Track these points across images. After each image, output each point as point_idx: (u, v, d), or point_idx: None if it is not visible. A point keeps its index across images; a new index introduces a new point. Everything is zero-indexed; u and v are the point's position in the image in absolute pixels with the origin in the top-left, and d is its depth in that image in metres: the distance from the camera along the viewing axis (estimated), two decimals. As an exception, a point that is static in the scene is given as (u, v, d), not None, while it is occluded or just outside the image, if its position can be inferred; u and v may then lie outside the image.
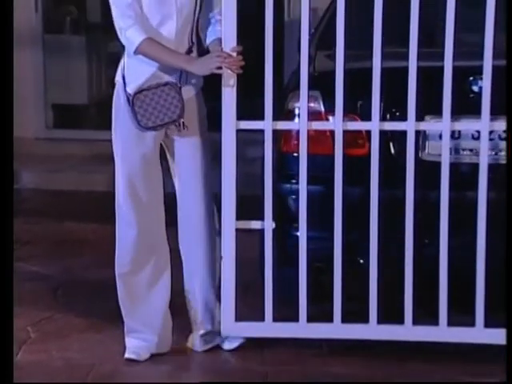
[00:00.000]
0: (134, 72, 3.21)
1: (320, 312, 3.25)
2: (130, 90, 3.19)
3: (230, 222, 3.22)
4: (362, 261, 3.23)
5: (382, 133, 3.14)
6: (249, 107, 3.36)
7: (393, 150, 3.30)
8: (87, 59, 7.51)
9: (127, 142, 3.25)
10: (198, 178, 3.29)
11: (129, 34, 3.14)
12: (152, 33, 3.15)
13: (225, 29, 3.12)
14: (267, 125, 3.17)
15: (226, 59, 3.10)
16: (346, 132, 3.15)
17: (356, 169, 3.16)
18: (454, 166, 3.13)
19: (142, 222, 3.27)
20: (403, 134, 3.13)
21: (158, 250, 3.32)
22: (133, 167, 3.26)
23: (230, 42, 3.12)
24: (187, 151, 3.30)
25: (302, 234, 3.18)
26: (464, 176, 3.22)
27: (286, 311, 3.27)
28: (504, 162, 3.16)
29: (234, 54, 3.11)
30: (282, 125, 3.25)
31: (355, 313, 3.21)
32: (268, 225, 3.20)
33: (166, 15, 3.17)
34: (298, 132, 3.21)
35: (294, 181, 3.32)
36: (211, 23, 3.27)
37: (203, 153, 3.29)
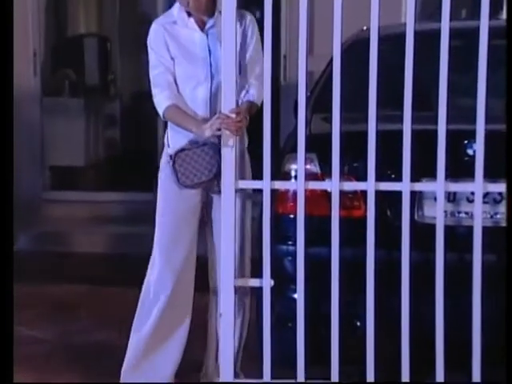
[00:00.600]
0: (175, 134, 3.45)
1: (319, 372, 3.24)
2: (172, 150, 3.40)
3: (228, 280, 3.22)
4: (358, 323, 3.23)
5: (379, 196, 3.16)
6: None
7: (389, 212, 3.32)
8: (85, 121, 7.59)
9: (167, 200, 3.45)
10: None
11: (156, 101, 3.42)
12: (186, 98, 3.39)
13: (224, 91, 3.18)
14: (266, 184, 3.20)
15: (225, 120, 3.16)
16: (342, 194, 3.17)
17: (352, 230, 3.18)
18: (450, 229, 3.16)
19: (175, 283, 3.42)
20: (399, 196, 3.15)
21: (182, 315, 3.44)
22: (171, 224, 3.43)
23: (229, 104, 3.18)
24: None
25: (300, 295, 3.19)
26: (460, 239, 3.23)
27: (284, 370, 3.26)
28: (500, 225, 3.18)
29: (233, 116, 3.17)
30: (280, 184, 3.29)
31: (353, 374, 3.20)
32: (266, 283, 3.21)
33: (199, 81, 3.40)
34: (293, 193, 3.24)
35: (290, 242, 3.33)
36: (246, 87, 3.40)
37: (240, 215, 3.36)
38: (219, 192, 3.29)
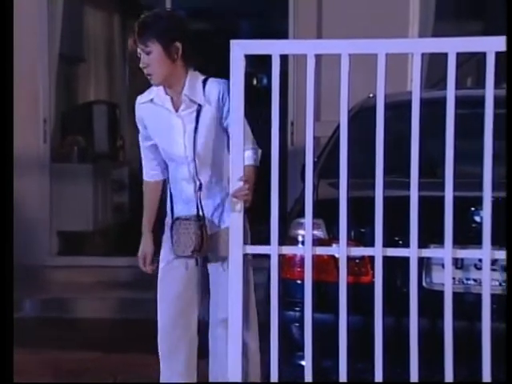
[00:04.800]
0: (169, 203, 3.61)
1: None
2: (169, 218, 3.56)
3: (236, 346, 3.19)
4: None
5: (387, 262, 3.15)
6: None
7: (396, 279, 3.31)
8: (93, 186, 7.62)
9: (168, 263, 3.53)
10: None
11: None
12: (171, 175, 3.56)
13: (232, 158, 3.20)
14: (273, 249, 3.19)
15: (233, 189, 3.20)
16: (349, 259, 3.17)
17: (360, 296, 3.16)
18: (458, 296, 3.13)
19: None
20: (407, 262, 3.14)
21: None
22: (171, 290, 3.51)
23: (237, 172, 3.19)
24: (221, 281, 3.42)
25: (308, 362, 3.16)
26: (469, 306, 3.21)
27: None
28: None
29: (241, 183, 3.18)
30: (288, 249, 3.28)
31: None
32: (274, 349, 3.18)
33: (178, 163, 3.51)
34: (300, 259, 3.23)
35: (297, 308, 3.32)
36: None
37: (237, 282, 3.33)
38: (201, 266, 3.48)
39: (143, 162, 3.66)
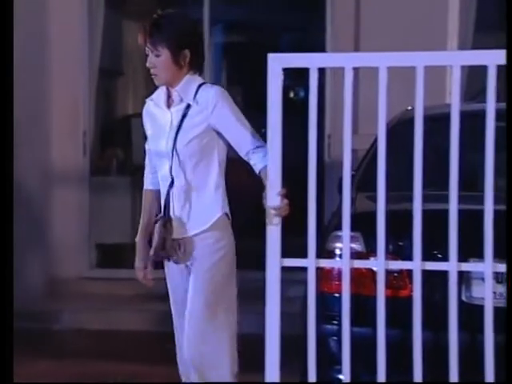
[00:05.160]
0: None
1: None
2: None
3: (273, 362, 3.18)
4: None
5: (425, 275, 3.12)
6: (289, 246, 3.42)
7: (435, 293, 3.28)
8: (131, 199, 7.66)
9: (166, 266, 3.57)
10: (188, 319, 3.41)
11: None
12: (158, 173, 3.53)
13: (270, 174, 3.19)
14: (310, 262, 3.18)
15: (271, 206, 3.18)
16: (387, 273, 3.15)
17: (398, 310, 3.14)
18: (498, 311, 3.09)
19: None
20: (446, 276, 3.11)
21: None
22: (169, 287, 3.61)
23: (275, 186, 3.18)
24: (191, 287, 3.44)
25: (346, 376, 3.14)
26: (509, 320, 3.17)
27: None
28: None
29: (279, 198, 3.16)
30: (325, 263, 3.27)
31: None
32: (311, 363, 3.16)
33: (161, 158, 3.48)
34: (338, 272, 3.22)
35: (334, 322, 3.30)
36: (252, 154, 3.41)
37: (201, 294, 3.39)
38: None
39: (146, 171, 3.68)
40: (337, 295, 3.24)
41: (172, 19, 3.47)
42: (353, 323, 3.13)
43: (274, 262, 3.20)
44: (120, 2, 7.88)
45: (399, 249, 3.30)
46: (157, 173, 3.55)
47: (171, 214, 3.42)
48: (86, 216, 7.18)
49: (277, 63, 3.14)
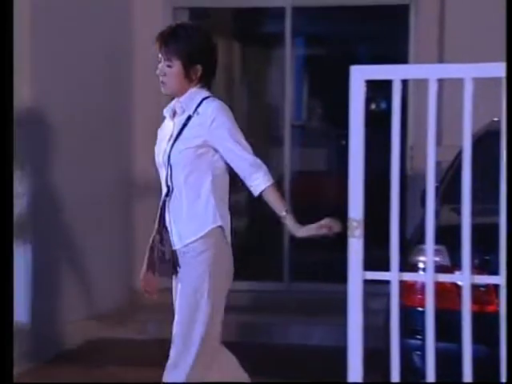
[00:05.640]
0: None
1: None
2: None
3: (356, 375, 3.16)
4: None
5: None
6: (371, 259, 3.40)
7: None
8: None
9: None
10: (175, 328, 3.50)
11: None
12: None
13: (352, 186, 3.17)
14: (394, 276, 3.15)
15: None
16: (473, 287, 3.09)
17: (485, 326, 3.08)
18: None
19: None
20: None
21: None
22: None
23: (357, 200, 3.14)
24: (178, 297, 3.59)
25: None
26: None
27: None
28: None
29: (361, 211, 3.14)
30: (409, 276, 3.23)
31: None
32: (396, 379, 3.13)
33: (160, 167, 3.59)
34: (421, 286, 3.17)
35: (418, 336, 3.26)
36: (250, 176, 3.49)
37: (182, 306, 3.52)
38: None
39: None
40: (420, 309, 3.20)
41: (190, 32, 3.50)
42: (437, 338, 3.09)
43: (357, 274, 3.17)
44: (203, 15, 7.98)
45: (486, 263, 3.23)
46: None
47: (166, 223, 3.48)
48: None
49: (359, 75, 3.12)
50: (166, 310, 6.61)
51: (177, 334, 3.43)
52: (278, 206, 3.39)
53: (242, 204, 8.44)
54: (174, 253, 3.47)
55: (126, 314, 6.53)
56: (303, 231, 3.35)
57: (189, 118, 3.44)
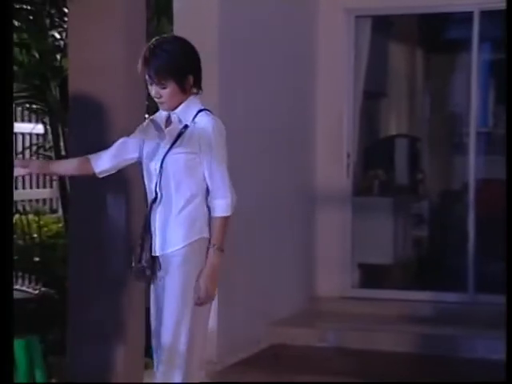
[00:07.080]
0: None
1: None
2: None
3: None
4: None
5: None
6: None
7: None
8: (393, 220, 7.65)
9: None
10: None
11: None
12: None
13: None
14: None
15: None
16: None
17: None
18: None
19: None
20: None
21: None
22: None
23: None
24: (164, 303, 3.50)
25: None
26: None
27: None
28: None
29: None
30: None
31: None
32: None
33: (149, 175, 3.56)
34: None
35: None
36: (212, 199, 3.50)
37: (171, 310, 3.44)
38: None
39: None
40: None
41: (170, 48, 3.46)
42: None
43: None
44: (386, 23, 7.93)
45: None
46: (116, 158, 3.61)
47: (152, 229, 3.49)
48: (349, 236, 7.27)
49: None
50: (344, 319, 6.64)
51: (163, 342, 3.49)
52: (216, 237, 3.46)
53: (426, 214, 8.32)
54: (155, 259, 3.51)
55: (304, 321, 6.59)
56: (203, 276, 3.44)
57: (185, 127, 3.50)
